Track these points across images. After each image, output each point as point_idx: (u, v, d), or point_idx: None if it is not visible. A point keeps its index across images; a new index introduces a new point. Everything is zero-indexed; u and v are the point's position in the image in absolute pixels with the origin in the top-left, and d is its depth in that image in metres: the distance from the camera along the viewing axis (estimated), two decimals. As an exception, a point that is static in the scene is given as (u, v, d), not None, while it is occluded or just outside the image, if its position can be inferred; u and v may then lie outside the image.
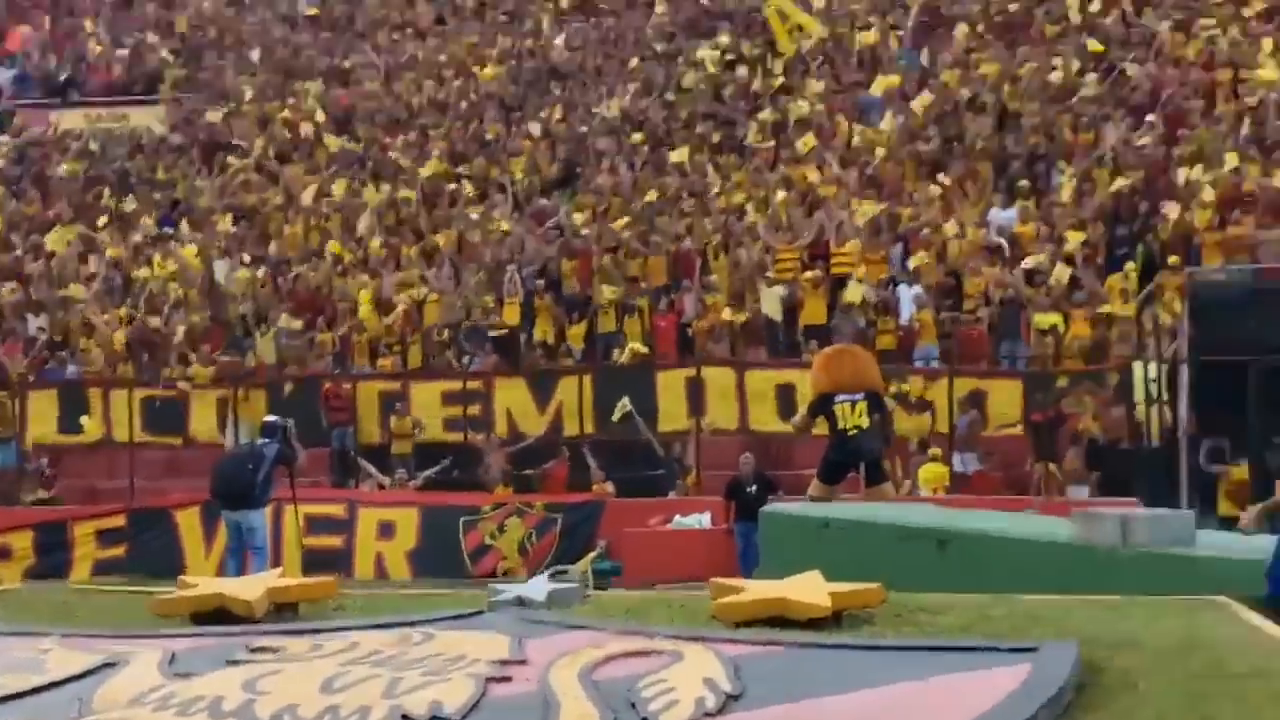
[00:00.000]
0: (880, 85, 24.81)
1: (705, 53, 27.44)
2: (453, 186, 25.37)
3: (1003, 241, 20.14)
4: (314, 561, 15.67)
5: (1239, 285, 18.11)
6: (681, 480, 18.34)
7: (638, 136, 25.40)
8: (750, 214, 22.12)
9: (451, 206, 24.72)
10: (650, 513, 17.20)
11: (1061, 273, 19.02)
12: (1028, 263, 19.42)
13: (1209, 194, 19.50)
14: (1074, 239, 19.64)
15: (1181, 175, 20.00)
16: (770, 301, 20.11)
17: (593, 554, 16.37)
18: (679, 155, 24.31)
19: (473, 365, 20.75)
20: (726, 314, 20.01)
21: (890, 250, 20.59)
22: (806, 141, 23.41)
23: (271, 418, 15.80)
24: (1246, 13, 23.89)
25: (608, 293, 20.87)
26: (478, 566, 16.93)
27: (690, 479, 18.27)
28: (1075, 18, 25.02)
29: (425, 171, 25.74)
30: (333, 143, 27.53)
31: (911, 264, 20.18)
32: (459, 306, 21.76)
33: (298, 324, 21.89)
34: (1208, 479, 15.89)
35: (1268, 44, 22.53)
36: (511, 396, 19.51)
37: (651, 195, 23.13)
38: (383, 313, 21.88)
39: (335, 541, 17.25)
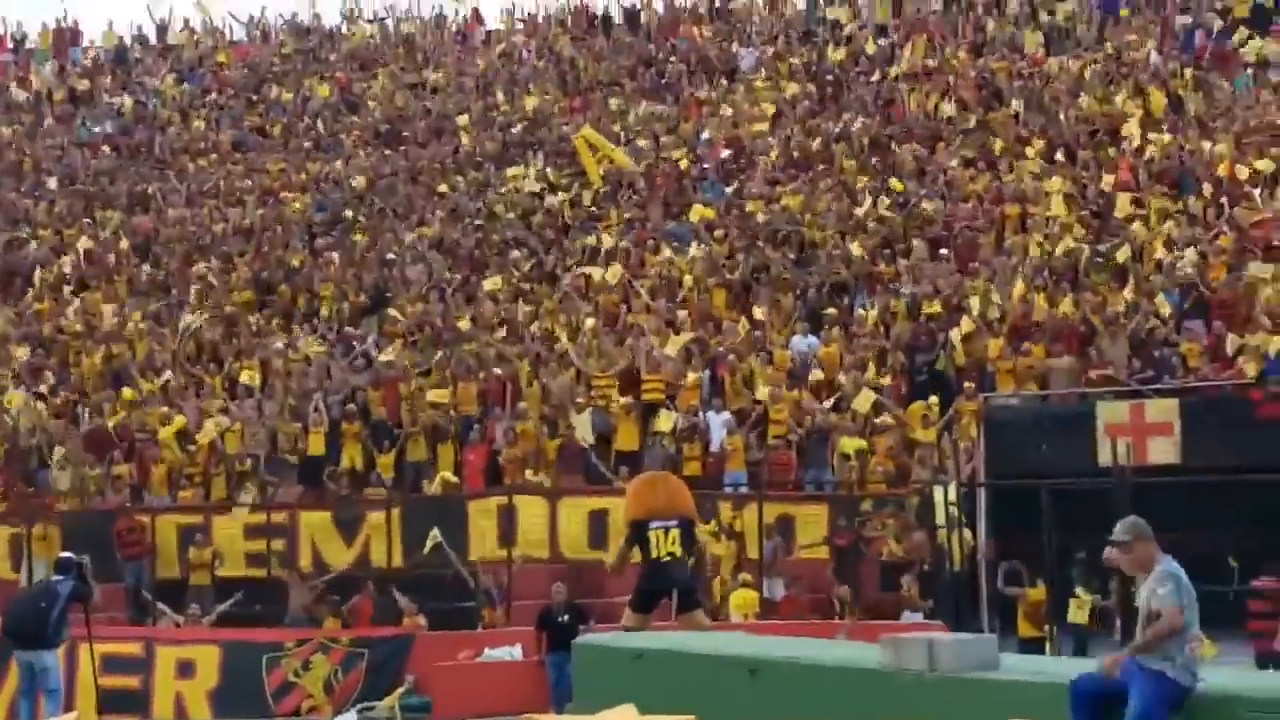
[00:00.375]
0: (695, 214, 25.39)
1: (515, 172, 27.72)
2: (257, 314, 25.01)
3: (811, 367, 20.60)
4: (110, 702, 15.09)
5: (1030, 411, 18.88)
6: (488, 611, 18.02)
7: (448, 264, 25.42)
8: (561, 341, 22.24)
9: (256, 335, 24.34)
10: (460, 645, 16.88)
11: (865, 399, 19.49)
12: (830, 400, 19.85)
13: (1000, 323, 20.29)
14: (875, 367, 20.19)
15: (975, 304, 20.75)
16: (582, 428, 20.18)
17: (401, 690, 15.96)
18: (490, 283, 24.40)
19: (277, 496, 20.30)
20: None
21: (700, 377, 20.88)
22: (615, 270, 23.72)
23: (66, 554, 15.23)
24: (1030, 151, 25.11)
25: (416, 421, 20.68)
26: (281, 706, 16.40)
27: (496, 611, 17.89)
28: (873, 154, 25.98)
29: (229, 299, 25.35)
30: (133, 270, 26.98)
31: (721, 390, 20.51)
32: (263, 436, 21.33)
33: (84, 455, 21.19)
34: (1007, 601, 16.29)
35: (1050, 180, 23.69)
36: (317, 528, 19.11)
37: (463, 323, 23.11)
38: (184, 443, 21.33)
39: (132, 682, 16.55)
